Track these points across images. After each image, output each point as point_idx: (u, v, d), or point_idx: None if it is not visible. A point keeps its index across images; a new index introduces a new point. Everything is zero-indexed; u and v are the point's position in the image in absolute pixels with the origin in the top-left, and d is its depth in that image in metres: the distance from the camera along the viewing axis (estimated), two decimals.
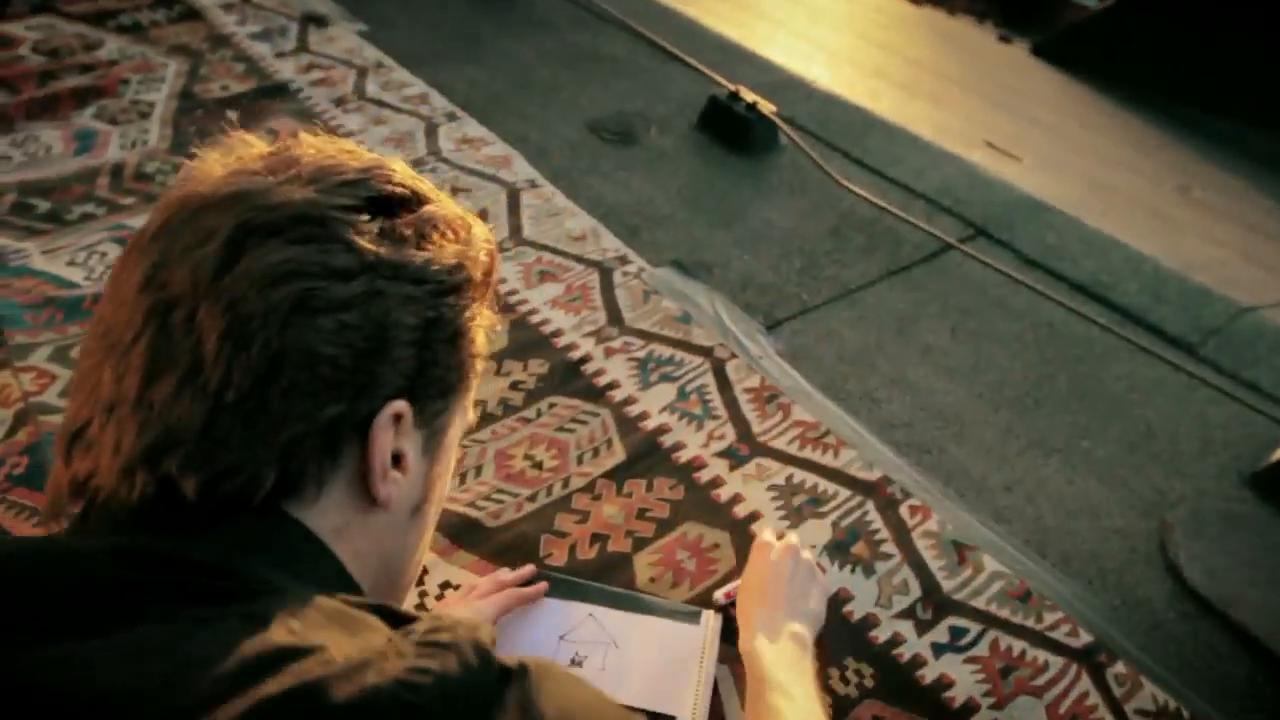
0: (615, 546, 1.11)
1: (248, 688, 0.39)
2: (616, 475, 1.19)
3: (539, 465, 1.20)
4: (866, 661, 1.00)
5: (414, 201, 0.56)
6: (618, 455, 1.22)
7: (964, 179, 1.84)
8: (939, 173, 1.84)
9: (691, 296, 1.49)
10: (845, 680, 0.98)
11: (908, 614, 1.05)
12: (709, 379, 1.34)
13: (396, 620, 0.46)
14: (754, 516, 1.15)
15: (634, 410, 1.28)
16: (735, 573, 1.08)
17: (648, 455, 1.22)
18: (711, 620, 1.02)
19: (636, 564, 1.09)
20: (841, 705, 0.96)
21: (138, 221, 1.53)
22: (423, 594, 1.05)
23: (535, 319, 1.43)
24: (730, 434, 1.26)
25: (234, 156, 0.54)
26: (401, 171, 0.56)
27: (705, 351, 1.38)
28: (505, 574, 1.04)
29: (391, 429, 0.53)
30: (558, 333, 1.40)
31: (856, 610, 1.05)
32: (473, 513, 1.14)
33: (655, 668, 0.99)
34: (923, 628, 1.03)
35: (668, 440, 1.24)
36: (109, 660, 0.40)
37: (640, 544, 1.11)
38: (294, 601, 0.45)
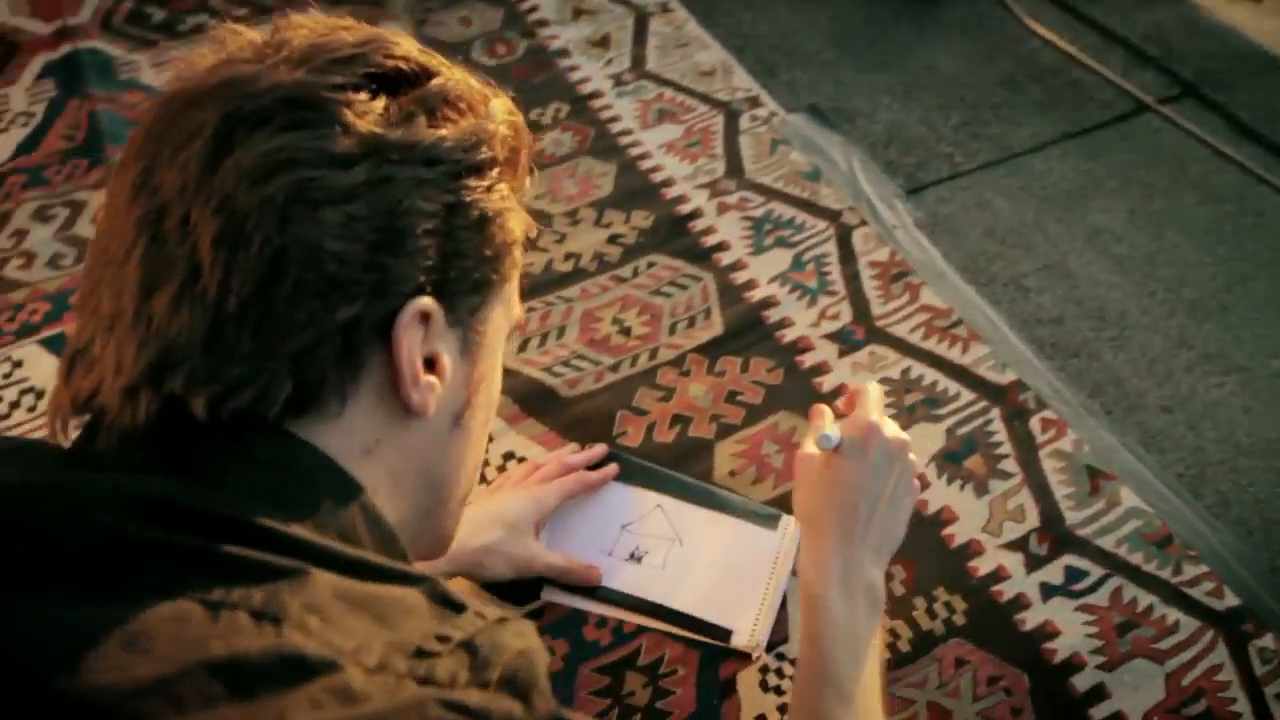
0: (697, 431, 1.01)
1: (250, 700, 0.36)
2: (710, 350, 1.08)
3: (627, 331, 1.10)
4: (960, 594, 0.88)
5: (421, 76, 0.50)
6: (715, 328, 1.10)
7: (1181, 24, 1.53)
8: (1150, 14, 1.54)
9: (825, 149, 1.31)
10: (931, 614, 0.87)
11: (1018, 545, 0.91)
12: (830, 248, 1.18)
13: (438, 597, 0.43)
14: None
15: (740, 277, 1.15)
16: None
17: (748, 330, 1.10)
18: (791, 527, 0.92)
19: (717, 453, 0.99)
20: (924, 641, 0.85)
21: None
22: (485, 464, 0.99)
23: (646, 164, 1.29)
24: (846, 314, 1.11)
25: (223, 50, 0.50)
26: (405, 44, 0.50)
27: (831, 215, 1.22)
28: (573, 454, 0.97)
29: (419, 330, 0.48)
30: (669, 182, 1.27)
31: (958, 535, 0.92)
32: (548, 379, 1.06)
33: (720, 572, 0.90)
34: (1033, 564, 0.90)
35: (773, 315, 1.11)
36: (101, 628, 0.37)
37: (725, 431, 1.01)
38: (317, 582, 0.41)
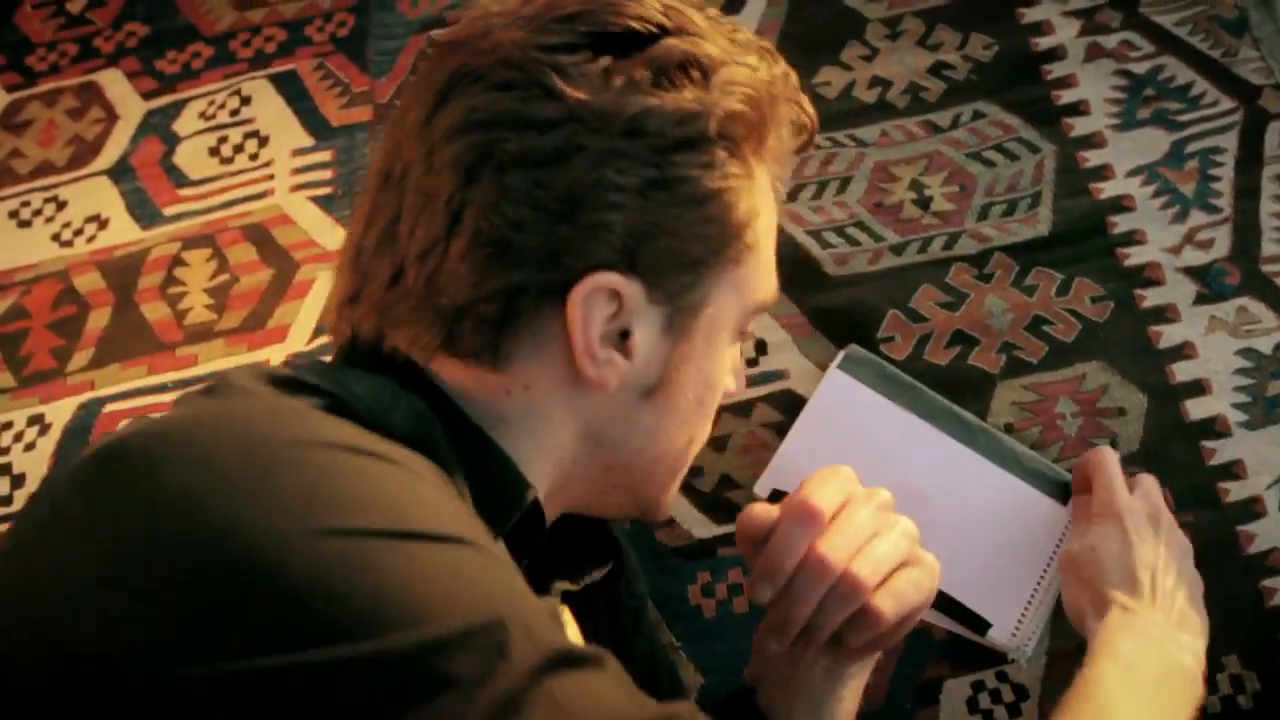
0: (980, 359, 0.81)
1: None
2: (1025, 254, 0.85)
3: (926, 203, 0.88)
4: (1258, 673, 0.69)
5: (657, 37, 0.47)
6: (1039, 224, 0.86)
7: None
8: None
9: None
10: (1212, 685, 0.69)
11: None
12: (1230, 141, 0.87)
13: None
14: (1198, 388, 0.78)
15: (1091, 159, 0.88)
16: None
17: (1083, 237, 0.85)
18: None
19: (998, 394, 0.80)
20: None
21: None
22: None
23: None
24: (1222, 244, 0.83)
25: None
26: (652, 3, 0.48)
27: (1246, 92, 0.89)
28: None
29: (605, 304, 0.47)
30: None
31: None
32: (814, 247, 0.87)
33: (987, 544, 0.72)
34: None
35: (1121, 224, 0.85)
36: None
37: (1015, 368, 0.81)
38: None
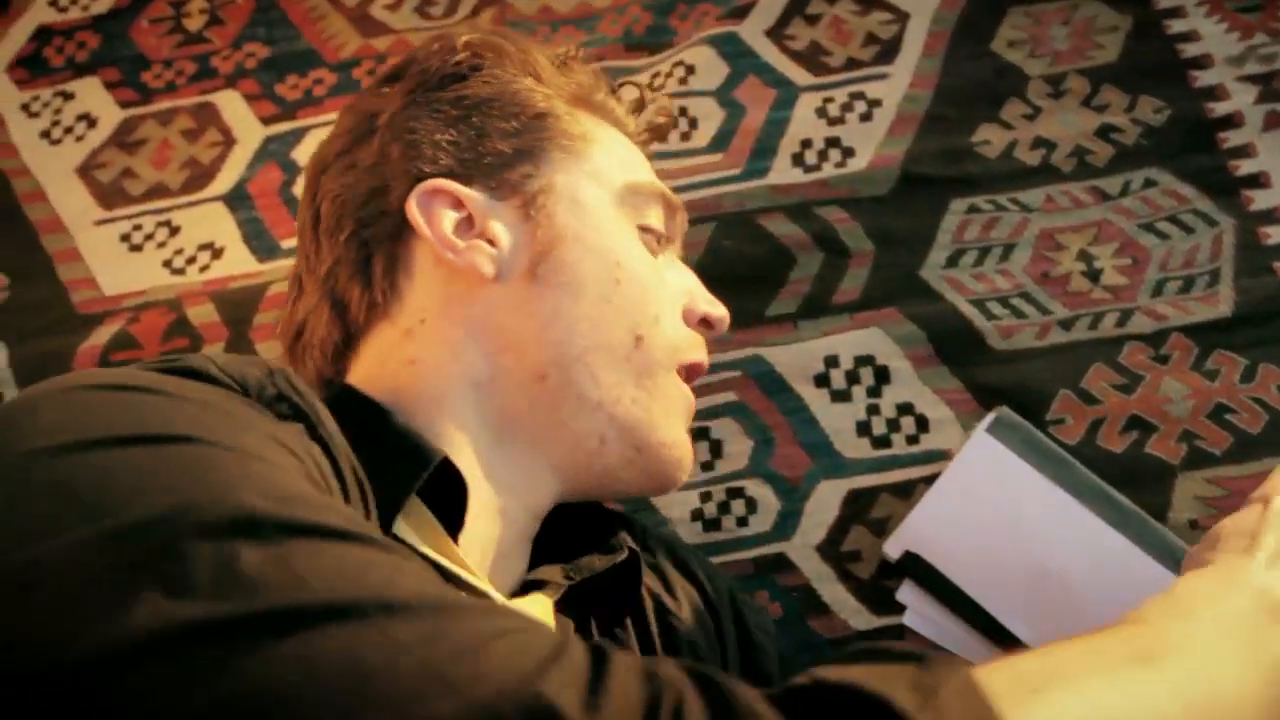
0: (1158, 447, 0.76)
1: None
2: (1205, 335, 0.79)
3: (1095, 276, 0.83)
4: None
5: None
6: (1220, 304, 0.80)
7: None
8: None
9: None
10: None
11: None
12: None
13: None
14: None
15: (1274, 236, 0.83)
16: None
17: (1268, 320, 0.80)
18: None
19: (1179, 487, 0.75)
20: None
21: None
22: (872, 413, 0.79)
23: (1174, 27, 0.93)
24: None
25: None
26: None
27: None
28: None
29: (443, 207, 0.55)
30: (1202, 62, 0.91)
31: None
32: (977, 317, 0.81)
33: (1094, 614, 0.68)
34: None
35: None
36: None
37: (1198, 459, 0.75)
38: None
